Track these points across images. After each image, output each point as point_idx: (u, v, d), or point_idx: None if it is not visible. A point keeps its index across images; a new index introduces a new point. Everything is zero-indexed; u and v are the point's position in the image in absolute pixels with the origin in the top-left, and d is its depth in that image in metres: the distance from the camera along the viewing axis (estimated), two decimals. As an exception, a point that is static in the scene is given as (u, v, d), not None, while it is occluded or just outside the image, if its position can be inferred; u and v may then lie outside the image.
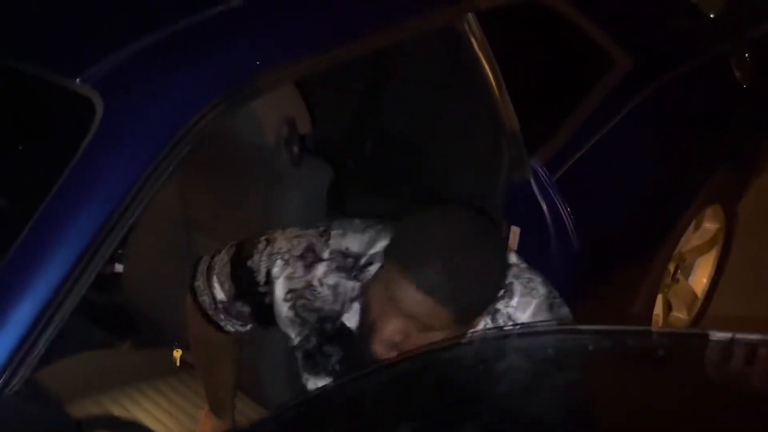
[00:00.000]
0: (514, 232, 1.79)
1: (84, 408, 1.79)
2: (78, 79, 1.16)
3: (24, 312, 1.02)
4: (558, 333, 0.95)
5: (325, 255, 1.36)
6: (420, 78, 1.86)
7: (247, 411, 1.84)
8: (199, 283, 1.53)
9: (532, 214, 1.76)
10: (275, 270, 1.37)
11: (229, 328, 1.54)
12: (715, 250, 2.62)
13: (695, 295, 2.65)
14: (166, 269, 1.96)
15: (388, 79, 1.92)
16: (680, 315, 2.64)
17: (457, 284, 1.13)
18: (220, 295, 1.48)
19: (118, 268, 2.09)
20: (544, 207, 1.75)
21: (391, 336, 1.18)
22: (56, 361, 1.85)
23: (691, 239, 2.49)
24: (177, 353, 2.00)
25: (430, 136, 1.87)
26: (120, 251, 2.10)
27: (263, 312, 1.43)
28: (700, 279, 2.67)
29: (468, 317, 1.21)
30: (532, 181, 1.75)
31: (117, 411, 1.80)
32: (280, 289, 1.38)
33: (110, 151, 1.12)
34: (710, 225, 2.54)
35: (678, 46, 2.22)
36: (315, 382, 1.42)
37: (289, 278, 1.37)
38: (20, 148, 1.16)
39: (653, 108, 2.01)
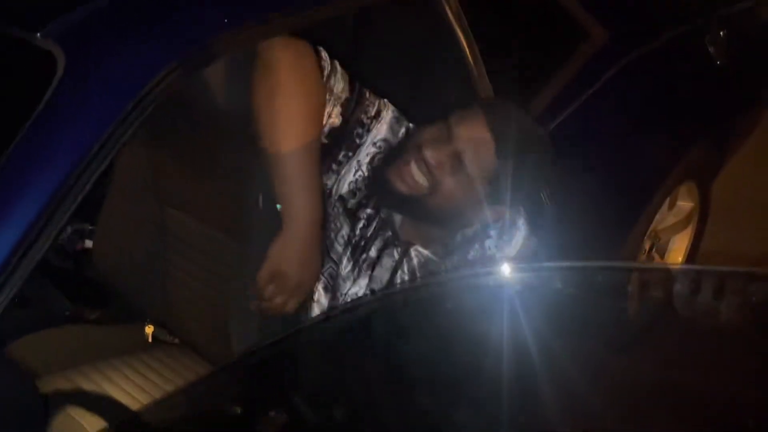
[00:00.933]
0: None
1: (54, 383, 1.76)
2: (39, 33, 1.13)
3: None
4: (526, 271, 0.95)
5: None
6: (396, 47, 1.85)
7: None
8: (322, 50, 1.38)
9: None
10: (386, 112, 1.45)
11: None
12: (689, 229, 2.64)
13: (670, 273, 2.66)
14: (138, 245, 1.94)
15: (364, 48, 1.90)
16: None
17: (518, 156, 1.30)
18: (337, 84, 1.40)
19: (88, 243, 2.07)
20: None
21: (430, 156, 1.31)
22: (26, 336, 1.83)
23: (666, 217, 2.50)
24: (149, 329, 1.99)
25: (406, 105, 1.86)
26: (90, 227, 2.08)
27: (348, 141, 1.44)
28: (675, 258, 2.68)
29: (495, 194, 1.33)
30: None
31: (87, 386, 1.78)
32: (378, 131, 1.43)
33: (72, 106, 1.10)
34: (685, 203, 2.55)
35: (651, 20, 2.22)
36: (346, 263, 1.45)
37: (392, 129, 1.44)
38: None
39: (626, 82, 2.01)
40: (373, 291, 1.43)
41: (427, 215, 1.37)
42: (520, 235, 1.41)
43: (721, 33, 2.38)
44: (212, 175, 1.72)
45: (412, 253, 1.41)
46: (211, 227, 1.78)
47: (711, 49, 2.32)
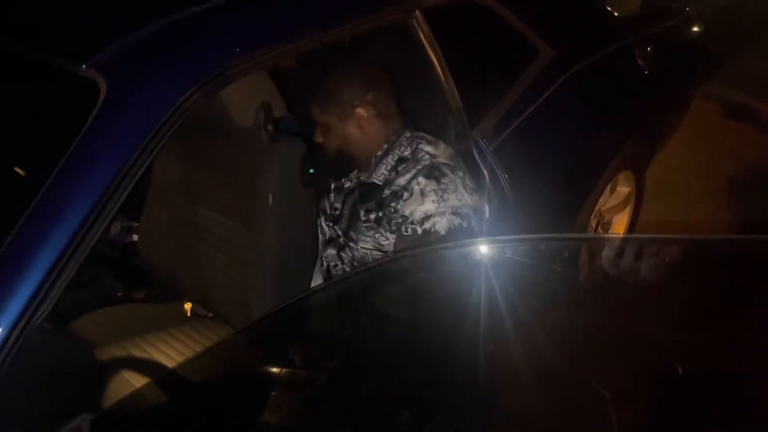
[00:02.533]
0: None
1: (111, 352, 1.76)
2: (84, 65, 1.13)
3: (45, 255, 1.00)
4: (480, 244, 0.95)
5: None
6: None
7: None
8: None
9: (475, 177, 1.76)
10: None
11: None
12: (628, 209, 2.64)
13: (613, 246, 2.66)
14: (175, 237, 1.94)
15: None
16: (601, 262, 2.65)
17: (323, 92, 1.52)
18: None
19: (135, 237, 2.07)
20: (484, 171, 1.75)
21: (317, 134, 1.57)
22: (87, 314, 1.84)
23: (608, 200, 2.50)
24: (188, 305, 1.99)
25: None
26: (136, 224, 2.08)
27: None
28: (616, 232, 2.69)
29: (332, 112, 1.52)
30: (474, 150, 1.74)
31: (138, 353, 1.78)
32: None
33: (113, 124, 1.10)
34: (623, 188, 2.55)
35: (590, 39, 2.22)
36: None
37: None
38: (36, 123, 1.13)
39: (571, 89, 2.01)
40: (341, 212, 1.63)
41: (337, 153, 1.57)
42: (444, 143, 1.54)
43: (649, 48, 2.38)
44: (232, 179, 1.73)
45: (354, 178, 1.61)
46: (232, 220, 1.78)
47: (640, 62, 2.32)
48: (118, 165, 1.07)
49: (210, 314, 1.98)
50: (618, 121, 2.27)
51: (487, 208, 1.56)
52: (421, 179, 1.43)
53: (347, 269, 1.62)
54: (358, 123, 1.53)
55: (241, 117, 1.59)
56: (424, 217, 1.40)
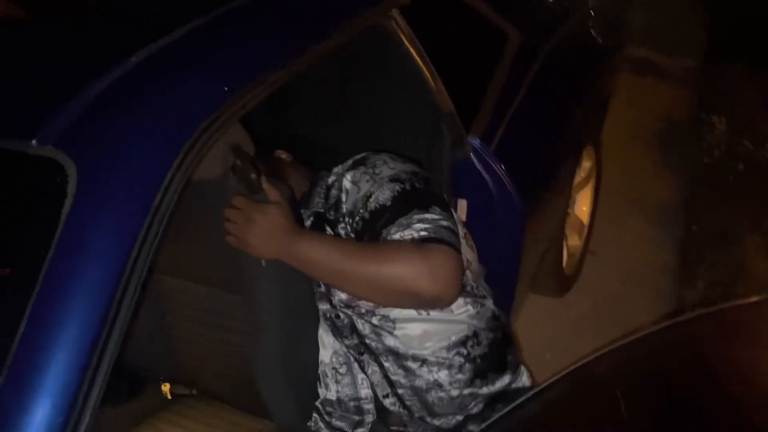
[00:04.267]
0: (461, 205, 1.61)
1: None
2: (35, 141, 0.83)
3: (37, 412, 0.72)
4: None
5: None
6: (360, 79, 1.62)
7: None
8: None
9: (477, 185, 1.59)
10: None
11: None
12: (590, 183, 2.60)
13: (582, 223, 2.62)
14: (136, 314, 1.62)
15: (332, 85, 1.66)
16: (574, 242, 2.60)
17: None
18: None
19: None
20: (486, 176, 1.59)
21: None
22: None
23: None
24: (165, 387, 1.69)
25: (377, 132, 1.64)
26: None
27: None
28: (581, 208, 2.64)
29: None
30: (472, 155, 1.57)
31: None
32: None
33: (97, 215, 0.81)
34: (586, 163, 2.49)
35: (547, 18, 2.11)
36: None
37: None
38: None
39: (545, 71, 1.89)
40: None
41: None
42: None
43: (592, 12, 2.31)
44: (201, 239, 1.44)
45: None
46: (205, 285, 1.50)
47: (593, 31, 2.24)
48: (118, 267, 0.80)
49: (193, 391, 1.69)
50: (582, 92, 2.18)
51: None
52: (348, 175, 1.34)
53: (349, 314, 1.41)
54: (282, 163, 1.51)
55: (205, 165, 1.29)
56: (365, 201, 1.28)
